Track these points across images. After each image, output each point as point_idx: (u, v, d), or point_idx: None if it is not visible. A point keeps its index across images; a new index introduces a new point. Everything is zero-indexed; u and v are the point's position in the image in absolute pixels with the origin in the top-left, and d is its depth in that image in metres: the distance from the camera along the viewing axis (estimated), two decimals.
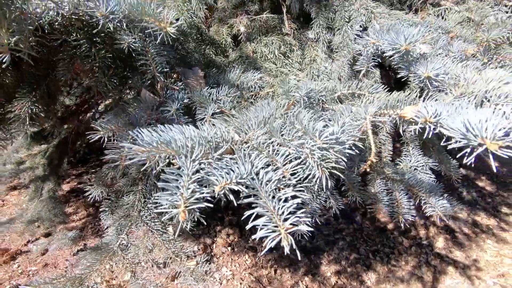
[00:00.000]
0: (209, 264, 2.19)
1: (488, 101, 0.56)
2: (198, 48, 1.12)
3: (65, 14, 0.67)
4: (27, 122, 0.79)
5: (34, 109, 0.80)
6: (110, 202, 0.96)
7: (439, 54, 0.97)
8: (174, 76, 0.94)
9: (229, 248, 2.36)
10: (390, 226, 2.62)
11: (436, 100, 0.64)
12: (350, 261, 2.24)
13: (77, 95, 2.63)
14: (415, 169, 1.45)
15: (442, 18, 1.24)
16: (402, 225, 1.24)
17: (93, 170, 4.58)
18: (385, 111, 0.66)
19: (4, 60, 0.49)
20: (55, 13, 0.66)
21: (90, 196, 1.02)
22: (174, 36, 0.69)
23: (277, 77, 1.02)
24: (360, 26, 1.26)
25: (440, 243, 2.40)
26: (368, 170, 0.69)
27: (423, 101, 0.63)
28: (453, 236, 2.52)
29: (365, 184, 1.26)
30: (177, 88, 0.91)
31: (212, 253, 2.32)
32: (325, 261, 2.23)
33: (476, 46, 0.94)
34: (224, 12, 1.61)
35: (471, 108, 0.49)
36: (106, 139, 0.72)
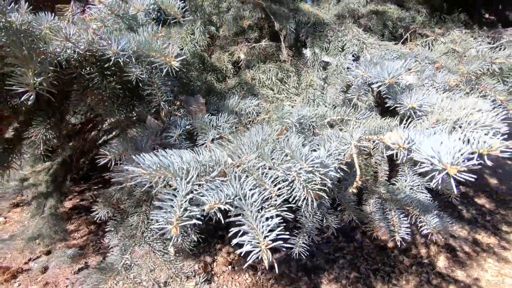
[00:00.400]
0: (209, 283, 2.19)
1: (460, 127, 0.62)
2: (200, 76, 1.20)
3: (81, 51, 0.75)
4: (42, 147, 0.86)
5: (48, 136, 0.88)
6: (116, 222, 1.02)
7: (425, 84, 1.04)
8: (177, 103, 1.01)
9: (230, 266, 2.37)
10: (390, 244, 2.62)
11: (415, 126, 0.70)
12: (351, 280, 2.23)
13: (82, 113, 2.72)
14: (410, 188, 1.49)
15: (429, 48, 1.32)
16: (399, 244, 1.27)
17: (95, 187, 4.62)
18: (369, 136, 0.72)
19: (30, 98, 0.56)
20: (72, 51, 0.75)
21: (97, 215, 1.07)
22: (178, 69, 0.77)
23: (273, 103, 1.09)
24: (353, 56, 1.35)
25: (441, 262, 2.39)
26: (354, 191, 0.74)
27: (403, 127, 0.69)
28: (454, 254, 2.52)
29: (360, 203, 1.30)
30: (180, 114, 0.98)
31: (213, 272, 2.32)
32: (326, 280, 2.22)
33: (459, 77, 1.01)
34: (225, 39, 1.72)
35: (439, 134, 0.55)
36: (113, 162, 0.78)
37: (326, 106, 1.35)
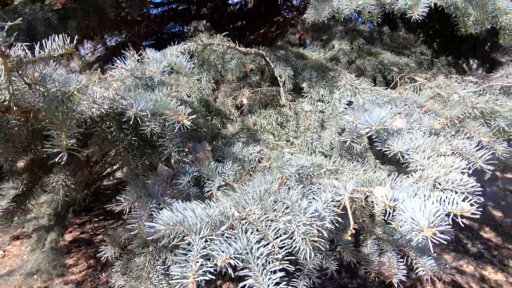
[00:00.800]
0: None
1: (440, 184, 0.70)
2: (206, 122, 1.31)
3: (104, 111, 0.85)
4: (61, 192, 0.94)
5: (67, 182, 0.95)
6: (122, 263, 1.06)
7: (413, 127, 1.14)
8: (186, 150, 1.10)
9: None
10: (394, 280, 2.58)
11: (401, 181, 0.78)
12: None
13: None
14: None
15: (417, 93, 1.44)
16: (396, 286, 1.30)
17: (96, 219, 4.62)
18: (361, 188, 0.80)
19: (63, 159, 0.65)
20: (96, 110, 0.85)
21: (104, 256, 1.12)
22: (189, 128, 0.86)
23: (274, 150, 1.18)
24: (347, 100, 1.46)
25: None
26: (349, 238, 0.80)
27: (391, 182, 0.77)
28: None
29: (359, 244, 1.34)
30: (188, 161, 1.07)
31: None
32: None
33: (444, 121, 1.11)
34: (229, 84, 1.85)
35: (419, 196, 0.62)
36: (127, 209, 0.86)
37: (323, 147, 1.45)
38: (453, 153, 0.97)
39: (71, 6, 2.00)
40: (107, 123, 0.93)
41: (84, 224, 4.38)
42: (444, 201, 0.57)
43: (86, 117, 0.86)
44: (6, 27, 0.59)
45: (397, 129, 1.08)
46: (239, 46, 1.55)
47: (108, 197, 5.19)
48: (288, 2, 5.78)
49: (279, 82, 1.70)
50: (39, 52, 0.68)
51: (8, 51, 0.62)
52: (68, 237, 3.96)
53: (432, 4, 1.09)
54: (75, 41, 0.71)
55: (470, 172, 0.80)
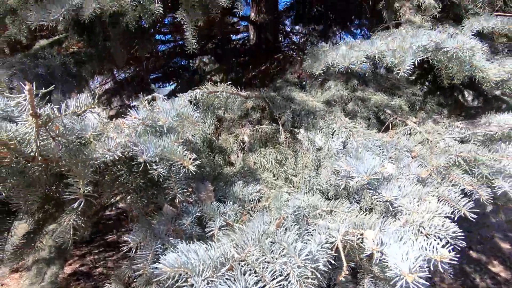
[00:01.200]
0: None
1: (424, 229, 0.76)
2: (209, 162, 1.39)
3: (116, 157, 0.94)
4: (71, 232, 1.00)
5: (78, 221, 1.02)
6: None
7: (402, 173, 1.21)
8: (190, 190, 1.17)
9: None
10: None
11: (389, 224, 0.83)
12: None
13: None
14: None
15: (407, 137, 1.53)
16: None
17: (96, 251, 4.56)
18: (353, 230, 0.86)
19: (80, 205, 0.72)
20: (110, 156, 0.93)
21: None
22: (193, 173, 0.94)
23: (273, 189, 1.25)
24: (342, 142, 1.55)
25: None
26: (342, 279, 0.84)
27: (380, 225, 0.83)
28: None
29: (356, 282, 1.35)
30: (191, 200, 1.14)
31: None
32: None
33: (430, 168, 1.18)
34: (231, 122, 1.96)
35: (404, 241, 0.68)
36: (134, 250, 0.91)
37: (321, 185, 1.51)
38: (439, 200, 1.04)
39: (87, 50, 2.18)
40: (118, 166, 1.02)
41: (84, 256, 4.33)
42: (425, 248, 0.63)
43: (100, 163, 0.94)
44: (40, 93, 0.70)
45: (388, 175, 1.15)
46: (241, 91, 1.68)
47: (109, 227, 5.17)
48: (289, 39, 6.12)
49: (278, 122, 1.81)
50: (65, 110, 0.78)
51: (39, 111, 0.72)
52: (68, 269, 3.90)
53: (417, 62, 1.21)
54: (96, 99, 0.82)
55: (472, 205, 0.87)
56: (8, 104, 0.87)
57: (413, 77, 2.84)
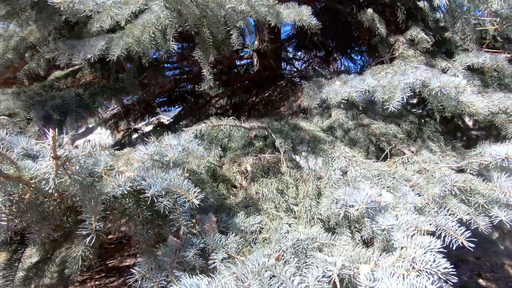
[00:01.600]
0: None
1: (416, 264, 0.79)
2: (213, 193, 1.45)
3: (125, 191, 1.00)
4: (79, 263, 1.05)
5: (87, 253, 1.07)
6: None
7: (400, 202, 1.25)
8: (193, 221, 1.22)
9: None
10: None
11: (384, 257, 0.87)
12: None
13: None
14: None
15: (405, 166, 1.58)
16: None
17: (97, 276, 4.51)
18: (349, 264, 0.89)
19: (92, 239, 0.77)
20: (119, 191, 1.00)
21: None
22: (197, 206, 1.00)
23: (274, 219, 1.30)
24: (341, 171, 1.60)
25: None
26: None
27: (375, 260, 0.86)
28: None
29: None
30: (195, 231, 1.18)
31: None
32: None
33: (426, 198, 1.22)
34: (235, 151, 2.03)
35: (398, 274, 0.72)
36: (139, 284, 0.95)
37: (321, 215, 1.54)
38: (436, 229, 1.07)
39: (101, 82, 2.31)
40: (126, 199, 1.08)
41: (85, 281, 4.28)
42: (414, 285, 0.66)
43: (110, 197, 1.00)
44: (60, 140, 0.78)
45: (385, 204, 1.19)
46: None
47: (111, 252, 5.12)
48: (291, 65, 6.32)
49: (280, 150, 1.88)
50: (82, 152, 0.85)
51: (59, 153, 0.80)
52: None
53: (405, 99, 1.29)
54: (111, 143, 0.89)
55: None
56: (29, 143, 0.95)
57: (414, 101, 2.93)
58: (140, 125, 6.00)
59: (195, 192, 1.02)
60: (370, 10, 2.17)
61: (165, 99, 5.79)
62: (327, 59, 5.89)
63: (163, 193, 1.05)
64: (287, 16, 1.61)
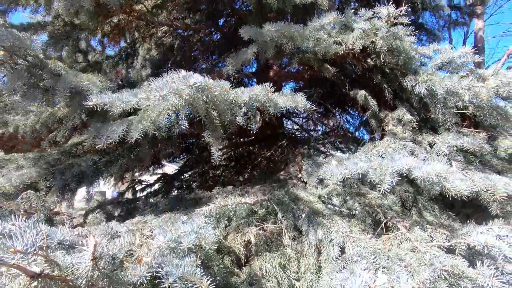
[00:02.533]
0: None
1: None
2: (219, 270, 1.55)
3: (144, 279, 1.12)
4: None
5: None
6: None
7: (394, 286, 1.35)
8: None
9: None
10: None
11: None
12: None
13: None
14: None
15: (399, 242, 1.69)
16: None
17: None
18: None
19: None
20: (139, 279, 1.12)
21: None
22: None
23: None
24: (339, 247, 1.71)
25: None
26: None
27: None
28: None
29: None
30: None
31: None
32: None
33: (418, 282, 1.32)
34: (239, 219, 2.15)
35: None
36: None
37: None
38: None
39: (117, 150, 2.52)
40: (144, 285, 1.19)
41: None
42: None
43: (130, 286, 1.12)
44: (96, 245, 0.93)
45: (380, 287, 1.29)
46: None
47: None
48: (292, 121, 6.67)
49: (282, 224, 2.00)
50: (113, 248, 1.00)
51: (96, 252, 0.95)
52: None
53: (394, 182, 1.47)
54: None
55: None
56: (65, 235, 1.10)
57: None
58: (144, 176, 6.15)
59: (208, 280, 1.14)
60: (362, 92, 2.47)
61: (172, 151, 6.03)
62: (326, 114, 6.24)
63: (177, 279, 1.17)
64: (283, 104, 1.87)
